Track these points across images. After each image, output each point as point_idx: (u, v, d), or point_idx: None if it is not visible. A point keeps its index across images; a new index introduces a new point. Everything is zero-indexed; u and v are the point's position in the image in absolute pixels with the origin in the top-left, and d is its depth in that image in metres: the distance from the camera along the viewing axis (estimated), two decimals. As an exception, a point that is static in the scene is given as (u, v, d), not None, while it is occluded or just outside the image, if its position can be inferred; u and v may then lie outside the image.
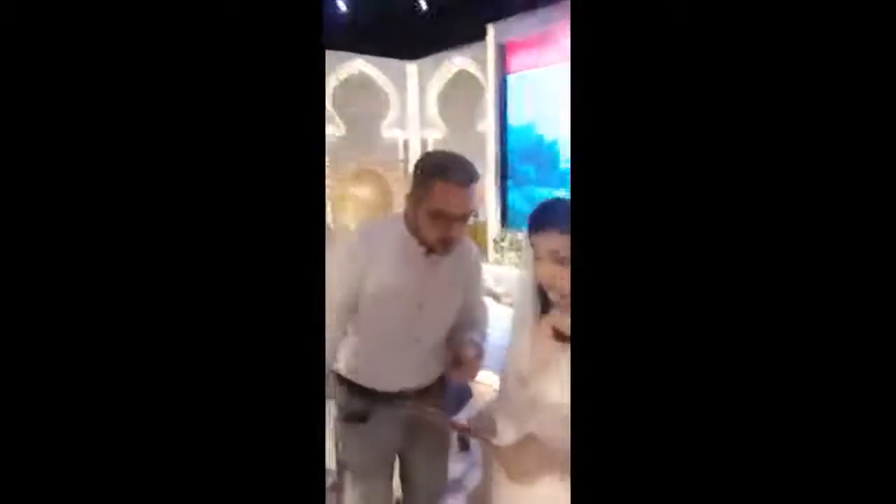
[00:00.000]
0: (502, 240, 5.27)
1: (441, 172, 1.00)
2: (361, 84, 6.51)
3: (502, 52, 5.38)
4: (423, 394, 1.15)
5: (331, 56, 5.67)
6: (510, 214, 5.40)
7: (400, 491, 1.28)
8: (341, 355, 1.15)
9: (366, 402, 1.14)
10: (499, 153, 5.41)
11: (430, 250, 1.06)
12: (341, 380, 1.17)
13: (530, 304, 0.91)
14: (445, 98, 6.42)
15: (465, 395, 1.76)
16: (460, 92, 6.17)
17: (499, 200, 5.46)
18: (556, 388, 0.83)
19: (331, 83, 6.13)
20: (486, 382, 1.13)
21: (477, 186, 1.03)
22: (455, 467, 1.62)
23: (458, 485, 1.66)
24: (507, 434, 0.88)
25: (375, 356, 1.14)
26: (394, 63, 6.50)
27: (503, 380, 0.96)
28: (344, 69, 6.30)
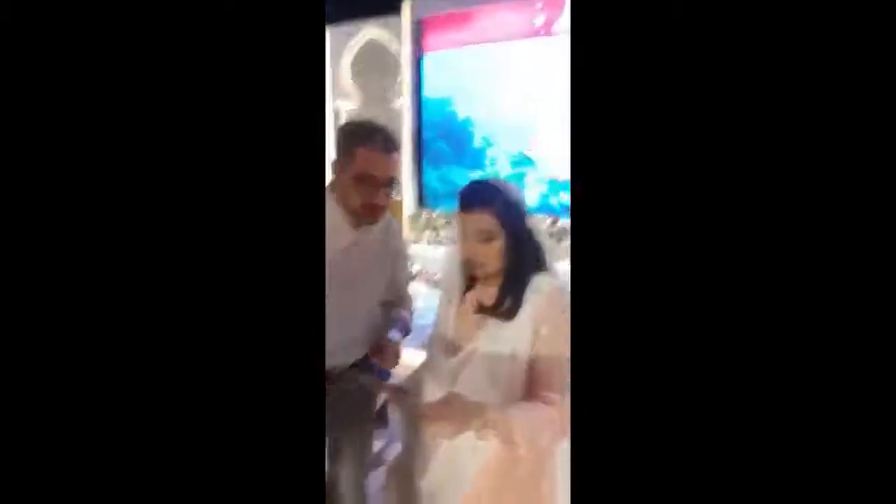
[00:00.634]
0: (418, 218, 5.29)
1: (364, 138, 1.03)
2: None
3: (419, 28, 5.31)
4: (352, 368, 1.16)
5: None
6: (425, 193, 5.43)
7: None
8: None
9: None
10: (414, 130, 5.38)
11: (358, 223, 1.08)
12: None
13: (457, 279, 0.94)
14: (358, 68, 6.21)
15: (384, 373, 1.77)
16: (374, 63, 6.01)
17: (415, 179, 5.45)
18: (479, 356, 0.87)
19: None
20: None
21: (396, 155, 1.07)
22: (374, 444, 1.63)
23: (378, 458, 1.69)
24: (433, 397, 0.92)
25: None
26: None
27: (430, 347, 1.01)
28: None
